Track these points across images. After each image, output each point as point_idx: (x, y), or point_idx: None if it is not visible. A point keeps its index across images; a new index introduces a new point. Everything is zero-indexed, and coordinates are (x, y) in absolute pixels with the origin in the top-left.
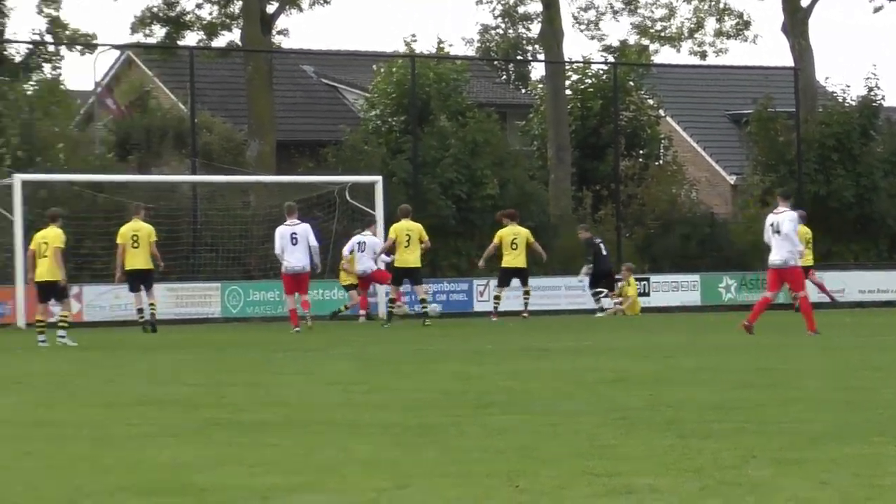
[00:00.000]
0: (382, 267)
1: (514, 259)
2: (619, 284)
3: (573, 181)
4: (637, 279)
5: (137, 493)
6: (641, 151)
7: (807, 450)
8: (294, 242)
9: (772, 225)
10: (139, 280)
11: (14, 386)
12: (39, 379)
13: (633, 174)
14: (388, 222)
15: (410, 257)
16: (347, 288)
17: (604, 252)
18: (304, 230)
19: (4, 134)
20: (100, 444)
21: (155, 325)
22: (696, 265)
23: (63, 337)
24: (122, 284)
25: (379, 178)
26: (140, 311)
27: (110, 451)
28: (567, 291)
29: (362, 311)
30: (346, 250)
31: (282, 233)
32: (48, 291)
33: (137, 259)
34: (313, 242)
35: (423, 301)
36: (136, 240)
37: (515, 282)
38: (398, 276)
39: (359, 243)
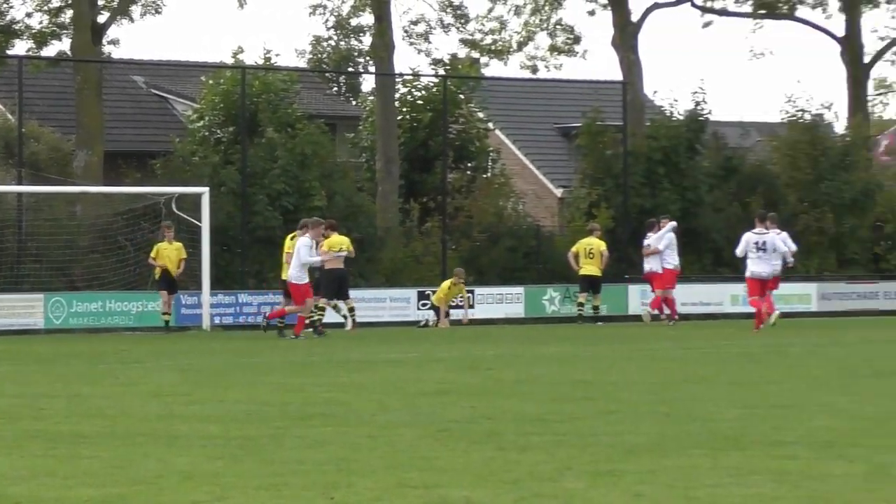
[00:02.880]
0: None
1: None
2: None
3: (401, 193)
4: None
5: None
6: (470, 164)
7: (623, 461)
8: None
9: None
10: None
11: None
12: None
13: (461, 186)
14: (215, 233)
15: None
16: None
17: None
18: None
19: None
20: None
21: None
22: (522, 277)
23: None
24: None
25: (206, 190)
26: None
27: None
28: (392, 303)
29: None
30: None
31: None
32: None
33: None
34: (303, 257)
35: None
36: None
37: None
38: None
39: None
